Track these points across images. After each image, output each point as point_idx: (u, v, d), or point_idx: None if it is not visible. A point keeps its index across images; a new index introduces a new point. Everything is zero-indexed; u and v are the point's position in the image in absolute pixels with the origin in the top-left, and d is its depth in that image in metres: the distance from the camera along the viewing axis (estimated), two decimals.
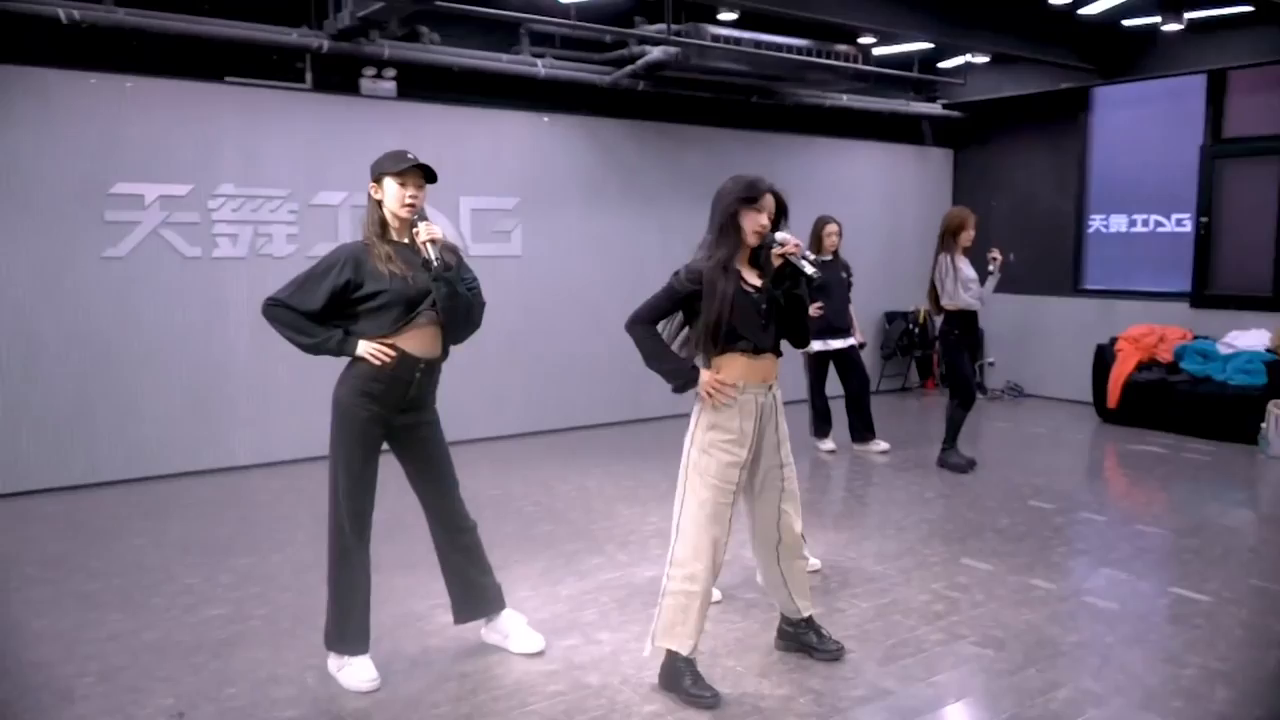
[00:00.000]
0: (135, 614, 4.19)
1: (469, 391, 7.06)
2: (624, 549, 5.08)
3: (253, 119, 6.72)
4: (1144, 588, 4.56)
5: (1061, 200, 9.89)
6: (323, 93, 7.01)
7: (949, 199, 10.81)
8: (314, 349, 3.45)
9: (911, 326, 10.25)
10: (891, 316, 10.32)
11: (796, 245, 3.38)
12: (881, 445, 7.41)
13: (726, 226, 3.36)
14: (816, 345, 7.22)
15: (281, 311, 3.43)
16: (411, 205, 3.42)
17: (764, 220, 3.35)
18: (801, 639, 3.72)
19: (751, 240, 3.37)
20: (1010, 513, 5.76)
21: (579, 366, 8.30)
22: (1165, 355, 8.42)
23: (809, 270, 3.38)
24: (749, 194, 3.35)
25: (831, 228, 7.19)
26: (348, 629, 3.53)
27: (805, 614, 3.70)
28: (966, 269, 6.57)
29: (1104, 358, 8.80)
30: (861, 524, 5.57)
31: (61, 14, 5.78)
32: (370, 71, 7.12)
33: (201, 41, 6.36)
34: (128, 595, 4.42)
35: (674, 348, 3.48)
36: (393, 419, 3.50)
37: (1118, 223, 9.56)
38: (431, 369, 3.53)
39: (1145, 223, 9.35)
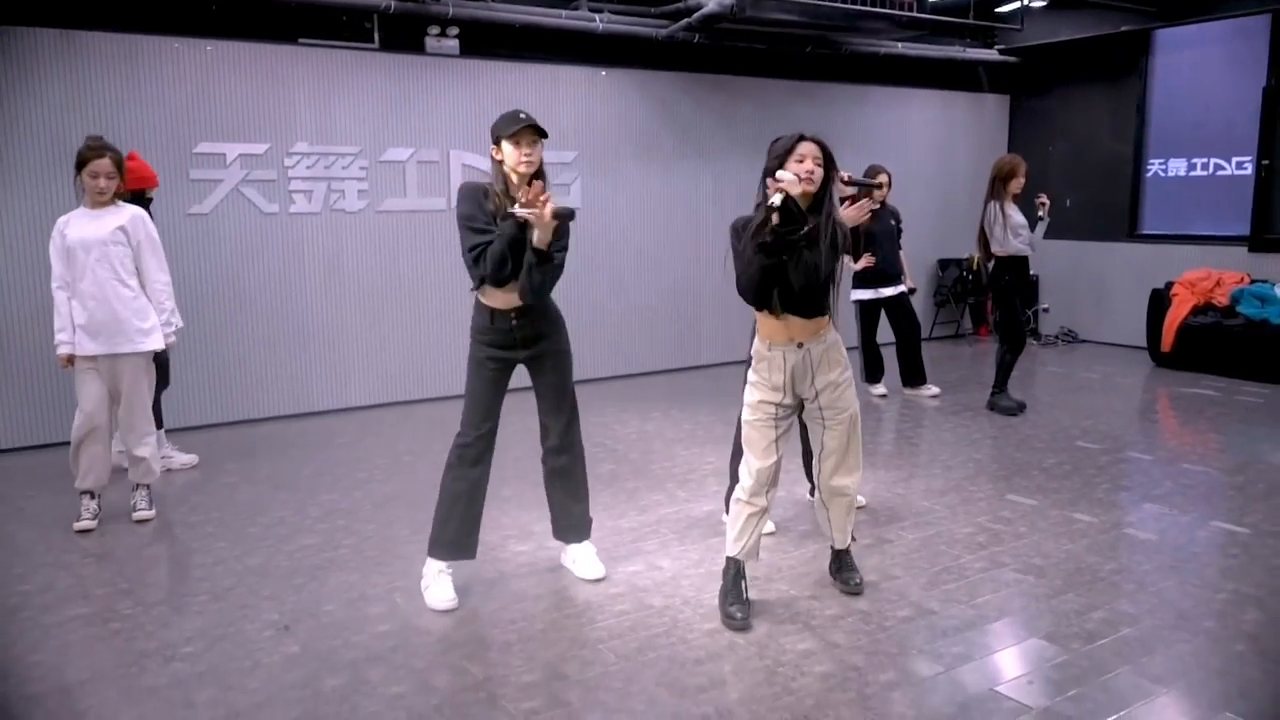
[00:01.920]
0: (236, 542, 4.59)
1: None
2: (683, 486, 5.37)
3: (324, 79, 7.02)
4: (1185, 521, 4.73)
5: (1119, 145, 9.84)
6: (390, 52, 7.27)
7: (1005, 145, 10.79)
8: (505, 248, 3.58)
9: (965, 273, 10.31)
10: (945, 264, 10.39)
11: (782, 179, 3.33)
12: (932, 390, 7.58)
13: (766, 184, 3.50)
14: (868, 294, 7.40)
15: (482, 259, 3.62)
16: (528, 162, 3.64)
17: (807, 166, 3.43)
18: (835, 566, 4.00)
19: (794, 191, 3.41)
20: (1057, 452, 5.93)
21: (637, 315, 8.56)
22: (1222, 299, 8.43)
23: (774, 200, 3.28)
24: (784, 147, 3.48)
25: (882, 177, 7.30)
26: (442, 535, 3.88)
27: (837, 546, 3.96)
28: (1016, 215, 6.68)
29: (1159, 302, 8.82)
30: (911, 463, 5.78)
31: None
32: (435, 30, 7.36)
33: (276, 5, 6.65)
34: (227, 526, 4.82)
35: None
36: (515, 355, 3.85)
37: (1176, 166, 9.49)
38: (525, 313, 3.77)
39: (1205, 166, 9.28)
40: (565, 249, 3.70)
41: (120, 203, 4.77)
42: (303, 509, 5.05)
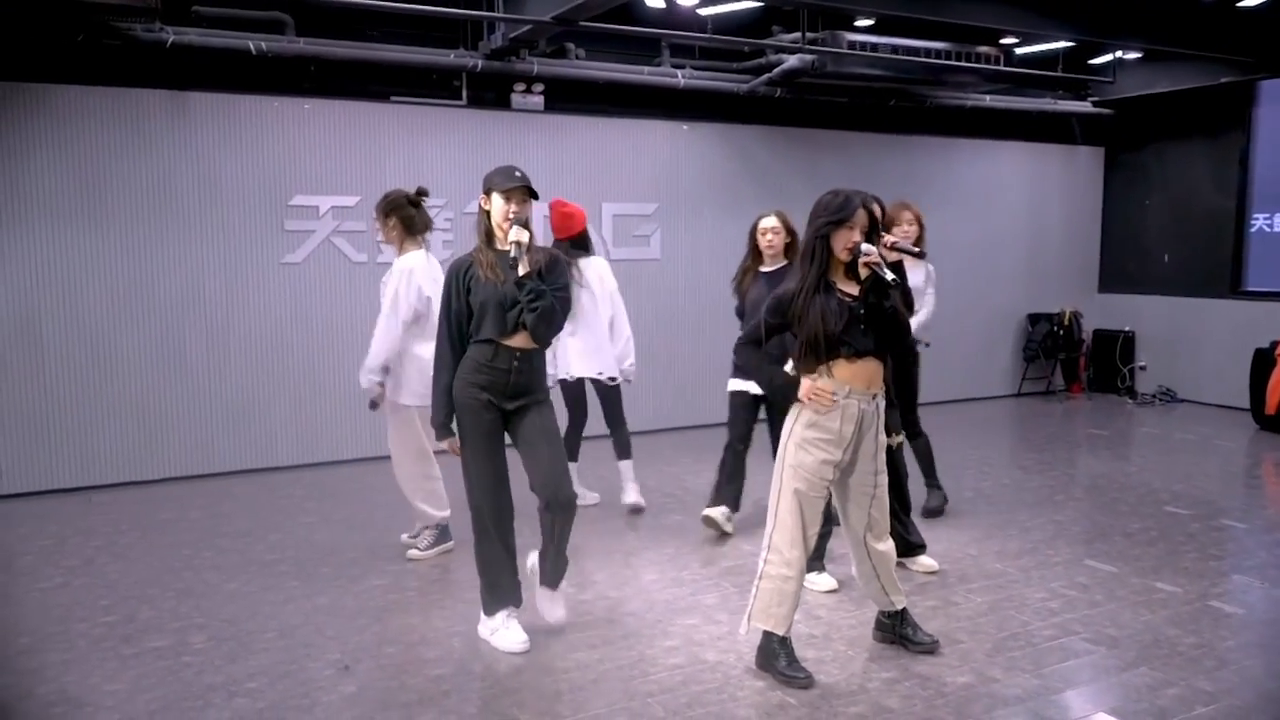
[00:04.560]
0: (308, 581, 4.72)
1: None
2: (749, 540, 5.31)
3: (414, 134, 7.30)
4: (1277, 595, 4.49)
5: (1221, 198, 9.51)
6: (477, 108, 7.52)
7: (1100, 198, 10.55)
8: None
9: (1056, 329, 10.04)
10: (1035, 318, 10.14)
11: (871, 255, 3.45)
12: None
13: (817, 246, 3.51)
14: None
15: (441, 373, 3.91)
16: (514, 218, 3.77)
17: (855, 237, 3.45)
18: (897, 630, 3.88)
19: (843, 257, 3.48)
20: (1143, 517, 5.70)
21: (713, 366, 8.53)
22: None
23: (888, 276, 3.45)
24: (839, 216, 3.47)
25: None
26: (494, 596, 3.92)
27: (898, 606, 3.86)
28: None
29: (1264, 362, 8.44)
30: (987, 523, 5.62)
31: (251, 46, 6.47)
32: (520, 87, 7.60)
33: (369, 65, 6.97)
34: (301, 565, 4.97)
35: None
36: (504, 404, 3.85)
37: None
38: (528, 358, 3.85)
39: None
40: (562, 287, 3.85)
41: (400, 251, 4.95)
42: (374, 550, 5.17)
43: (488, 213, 3.84)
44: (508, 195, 3.78)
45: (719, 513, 5.27)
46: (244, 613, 4.33)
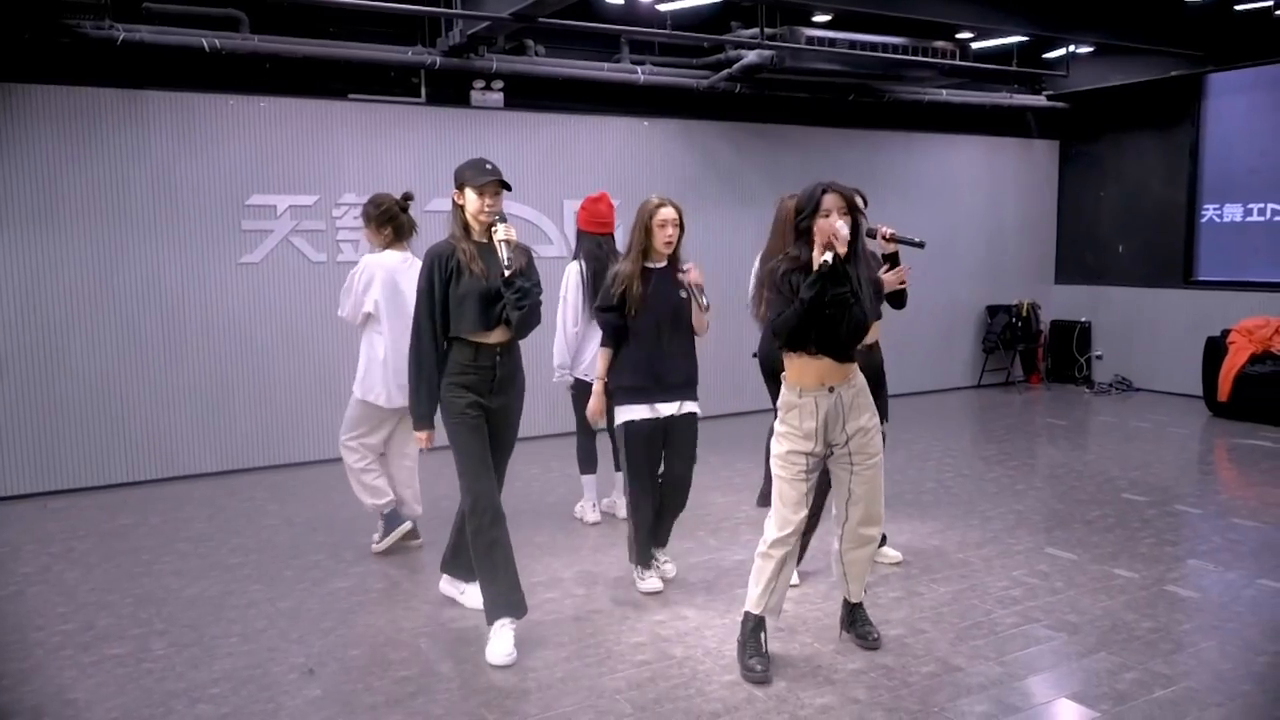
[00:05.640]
0: (271, 585, 4.67)
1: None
2: (715, 535, 5.35)
3: (373, 132, 7.23)
4: (1230, 578, 4.58)
5: (1172, 190, 9.68)
6: (436, 105, 7.47)
7: (1055, 191, 10.71)
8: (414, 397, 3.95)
9: (1015, 320, 10.17)
10: (994, 310, 10.27)
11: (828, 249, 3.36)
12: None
13: (799, 238, 3.53)
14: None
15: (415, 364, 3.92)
16: (489, 213, 3.80)
17: (833, 223, 3.37)
18: (849, 620, 3.93)
19: (831, 247, 3.36)
20: (1101, 505, 5.80)
21: None
22: None
23: (827, 258, 3.33)
24: (813, 202, 3.46)
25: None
26: (495, 599, 3.82)
27: (853, 599, 3.90)
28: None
29: (1216, 350, 8.61)
30: (949, 514, 5.68)
31: (205, 44, 6.37)
32: (480, 84, 7.56)
33: (327, 63, 6.89)
34: (264, 568, 4.91)
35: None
36: (489, 402, 3.88)
37: (1232, 212, 9.31)
38: (509, 349, 3.92)
39: (1261, 211, 9.09)
40: (537, 284, 3.88)
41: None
42: (337, 552, 5.13)
43: (461, 207, 3.86)
44: (481, 190, 3.79)
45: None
46: (206, 618, 4.28)
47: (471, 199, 3.81)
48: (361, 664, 3.79)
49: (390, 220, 4.92)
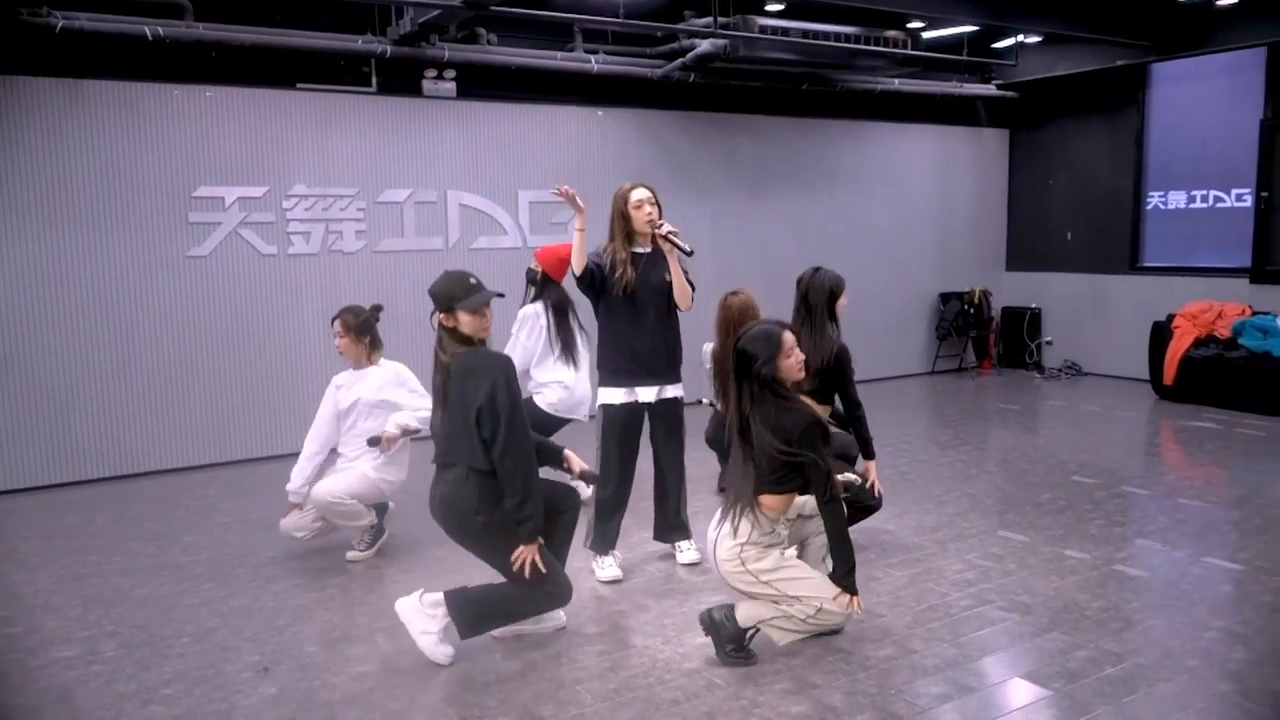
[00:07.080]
0: (224, 583, 4.60)
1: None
2: None
3: (322, 122, 7.12)
4: (1177, 557, 4.68)
5: (1119, 178, 9.85)
6: (387, 95, 7.38)
7: (1005, 179, 10.84)
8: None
9: (967, 307, 10.30)
10: (946, 297, 10.39)
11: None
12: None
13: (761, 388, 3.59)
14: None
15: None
16: (489, 328, 3.64)
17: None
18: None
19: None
20: (1052, 488, 5.89)
21: None
22: (1224, 331, 8.39)
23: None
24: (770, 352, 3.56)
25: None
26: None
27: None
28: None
29: (1161, 335, 8.79)
30: (904, 499, 5.74)
31: (148, 31, 6.23)
32: (431, 73, 7.47)
33: (274, 51, 6.77)
34: (216, 567, 4.83)
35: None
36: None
37: (1176, 199, 9.49)
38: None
39: (1205, 198, 9.28)
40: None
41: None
42: (291, 550, 5.06)
43: (450, 329, 3.59)
44: (476, 311, 3.58)
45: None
46: (157, 618, 4.20)
47: (467, 320, 3.57)
48: (318, 661, 3.75)
49: (369, 330, 4.92)
